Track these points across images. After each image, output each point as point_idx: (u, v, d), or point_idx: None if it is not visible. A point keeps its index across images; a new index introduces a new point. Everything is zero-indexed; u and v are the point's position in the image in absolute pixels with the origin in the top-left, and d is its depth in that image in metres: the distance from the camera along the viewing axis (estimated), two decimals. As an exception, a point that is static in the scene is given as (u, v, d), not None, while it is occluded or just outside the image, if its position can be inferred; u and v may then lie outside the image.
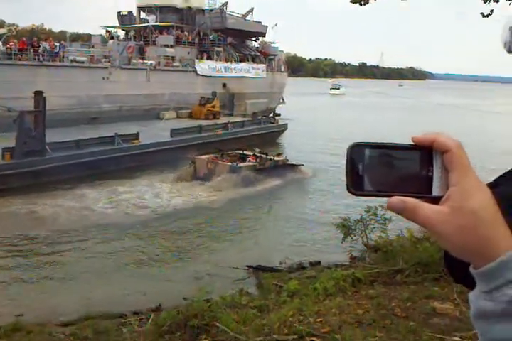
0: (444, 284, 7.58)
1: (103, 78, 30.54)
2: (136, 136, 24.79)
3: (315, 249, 14.65)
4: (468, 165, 0.75)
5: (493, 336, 0.72)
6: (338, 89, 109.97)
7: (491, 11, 7.76)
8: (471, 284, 0.81)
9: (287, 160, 24.21)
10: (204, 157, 22.96)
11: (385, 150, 0.77)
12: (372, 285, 8.02)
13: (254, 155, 23.69)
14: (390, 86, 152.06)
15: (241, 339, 5.64)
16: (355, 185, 0.77)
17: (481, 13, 7.88)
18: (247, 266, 12.78)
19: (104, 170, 21.82)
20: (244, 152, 24.07)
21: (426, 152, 0.77)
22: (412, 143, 0.77)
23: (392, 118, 56.48)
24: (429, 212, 0.74)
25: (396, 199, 0.75)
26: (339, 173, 25.47)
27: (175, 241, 15.67)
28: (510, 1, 7.74)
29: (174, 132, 27.14)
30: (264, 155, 23.62)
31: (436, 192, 0.76)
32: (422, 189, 0.77)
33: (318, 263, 12.87)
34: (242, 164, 22.28)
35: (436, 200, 0.76)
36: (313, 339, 5.51)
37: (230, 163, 22.17)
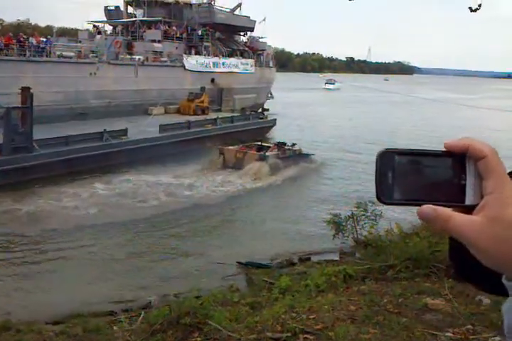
0: (435, 280, 7.61)
1: (90, 73, 30.25)
2: (124, 132, 24.61)
3: (306, 244, 14.64)
4: (505, 172, 0.72)
5: None
6: (333, 84, 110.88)
7: (479, 5, 7.57)
8: (476, 282, 0.79)
9: (301, 149, 26.23)
10: (232, 147, 25.03)
11: (415, 157, 0.75)
12: (364, 282, 8.03)
13: (275, 144, 25.75)
14: (377, 81, 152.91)
15: (234, 337, 5.61)
16: (384, 193, 0.75)
17: (469, 8, 7.71)
18: (238, 262, 12.77)
19: (92, 166, 21.69)
20: (262, 143, 26.04)
21: (458, 158, 0.74)
22: (444, 148, 0.74)
23: (380, 113, 56.89)
24: (462, 222, 0.72)
25: (427, 207, 0.72)
26: (339, 165, 26.91)
27: (171, 237, 15.64)
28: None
29: (163, 128, 27.00)
30: (283, 146, 25.64)
31: (469, 200, 0.74)
32: (455, 197, 0.74)
33: (308, 259, 12.88)
34: (268, 153, 24.24)
35: (469, 209, 0.74)
36: (307, 336, 5.50)
37: (258, 152, 24.28)
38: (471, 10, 7.75)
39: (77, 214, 16.90)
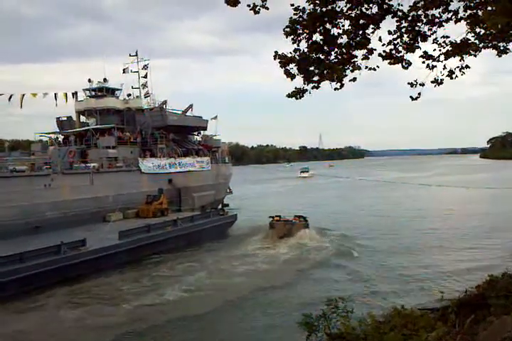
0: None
1: (45, 185, 29.90)
2: (82, 242, 23.93)
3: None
4: None
5: None
6: (307, 172, 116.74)
7: (419, 94, 8.31)
8: None
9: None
10: (278, 222, 32.50)
11: None
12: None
13: (296, 216, 33.28)
14: (326, 167, 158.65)
15: None
16: None
17: (410, 97, 8.47)
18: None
19: (52, 281, 20.84)
20: (281, 216, 33.30)
21: None
22: None
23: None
24: None
25: None
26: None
27: None
28: (435, 84, 8.27)
29: (122, 234, 26.46)
30: (303, 217, 33.09)
31: None
32: None
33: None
34: (307, 222, 32.52)
35: None
36: None
37: (303, 222, 32.27)
38: (412, 98, 8.52)
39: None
